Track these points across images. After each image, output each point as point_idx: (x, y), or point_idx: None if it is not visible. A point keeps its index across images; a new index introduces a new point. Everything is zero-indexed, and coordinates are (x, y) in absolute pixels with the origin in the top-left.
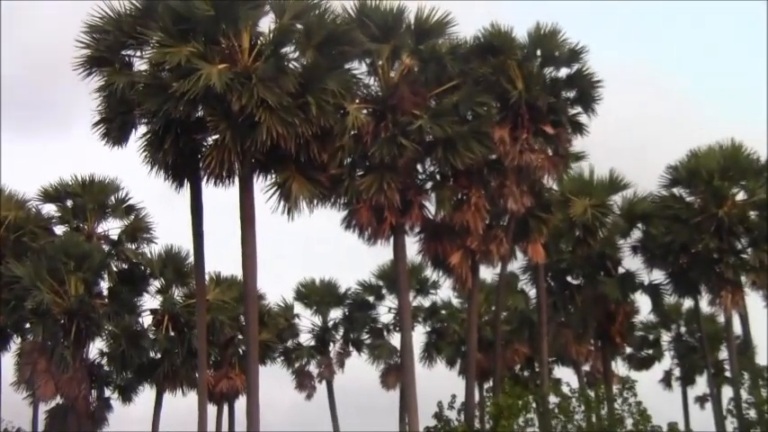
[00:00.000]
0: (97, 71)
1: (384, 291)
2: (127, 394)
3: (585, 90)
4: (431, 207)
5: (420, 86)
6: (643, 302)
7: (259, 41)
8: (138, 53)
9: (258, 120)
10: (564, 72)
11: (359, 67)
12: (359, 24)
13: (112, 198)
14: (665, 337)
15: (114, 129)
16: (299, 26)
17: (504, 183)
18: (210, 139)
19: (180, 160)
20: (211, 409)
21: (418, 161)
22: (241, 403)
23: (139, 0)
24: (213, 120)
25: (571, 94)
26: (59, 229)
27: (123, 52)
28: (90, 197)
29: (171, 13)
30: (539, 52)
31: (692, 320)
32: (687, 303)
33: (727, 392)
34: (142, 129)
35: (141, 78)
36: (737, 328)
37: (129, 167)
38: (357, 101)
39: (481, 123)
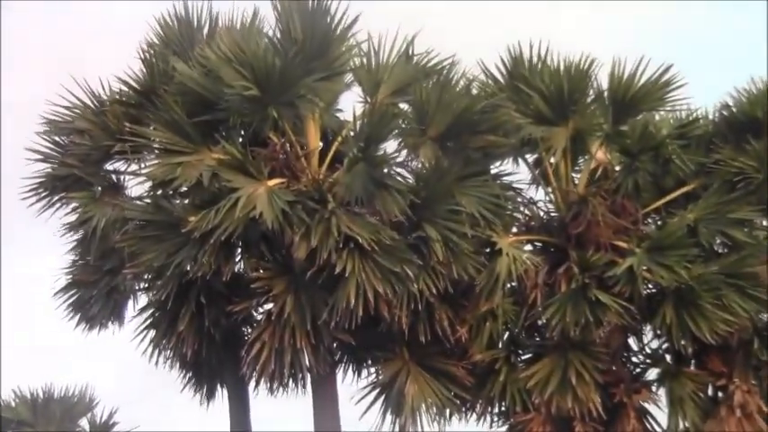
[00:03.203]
0: (63, 199)
1: None
2: None
3: None
4: (658, 413)
5: (625, 198)
6: None
7: (338, 136)
8: (133, 166)
9: (341, 272)
10: None
11: (515, 170)
12: (512, 96)
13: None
14: None
15: (96, 300)
16: (405, 107)
17: None
18: (259, 312)
19: (207, 352)
20: None
21: (630, 332)
22: None
23: (136, 79)
24: (263, 277)
25: None
26: None
27: (107, 166)
28: (46, 417)
29: (185, 97)
30: None
31: None
32: None
33: None
34: (140, 299)
35: (136, 210)
36: None
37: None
38: (514, 230)
39: (743, 259)
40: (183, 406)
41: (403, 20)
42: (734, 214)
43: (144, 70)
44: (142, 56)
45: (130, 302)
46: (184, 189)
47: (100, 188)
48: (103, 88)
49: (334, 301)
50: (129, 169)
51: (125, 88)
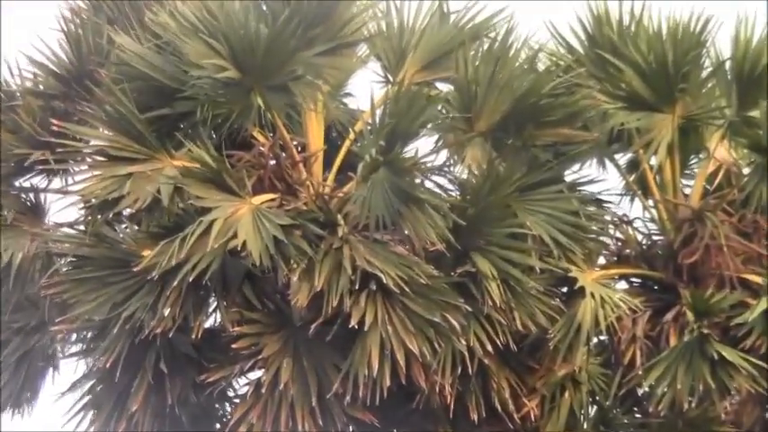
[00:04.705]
0: None
1: None
2: None
3: None
4: None
5: (758, 213)
6: None
7: (350, 132)
8: (58, 181)
9: (359, 325)
10: None
11: (600, 177)
12: (595, 71)
13: None
14: None
15: (2, 370)
16: (443, 87)
17: None
18: (243, 382)
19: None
20: None
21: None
22: None
23: (59, 60)
24: (248, 333)
25: None
26: None
27: (21, 182)
28: None
29: (133, 83)
30: None
31: None
32: None
33: None
34: (75, 368)
35: (67, 242)
36: None
37: None
38: (601, 260)
39: None
40: None
41: None
42: None
43: (69, 48)
44: (65, 27)
45: (54, 371)
46: (135, 211)
47: (10, 212)
48: (12, 75)
49: (350, 366)
50: (53, 185)
51: (42, 73)
